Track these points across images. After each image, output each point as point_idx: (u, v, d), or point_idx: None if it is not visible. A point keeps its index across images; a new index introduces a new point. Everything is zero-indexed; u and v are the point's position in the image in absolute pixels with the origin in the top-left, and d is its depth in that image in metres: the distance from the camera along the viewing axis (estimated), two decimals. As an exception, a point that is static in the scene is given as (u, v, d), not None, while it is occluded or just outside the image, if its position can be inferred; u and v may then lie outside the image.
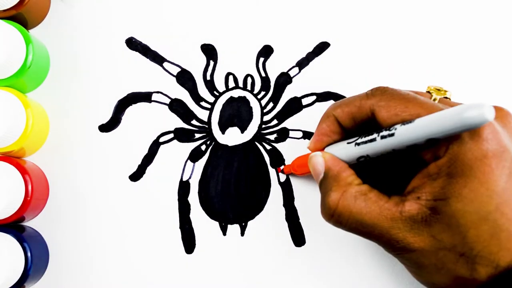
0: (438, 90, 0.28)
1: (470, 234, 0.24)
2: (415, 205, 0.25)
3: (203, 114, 0.36)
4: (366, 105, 0.27)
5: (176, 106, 0.36)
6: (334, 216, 0.27)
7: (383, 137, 0.26)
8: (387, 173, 0.29)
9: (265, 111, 0.36)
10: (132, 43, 0.36)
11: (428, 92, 0.29)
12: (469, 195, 0.23)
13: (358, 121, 0.28)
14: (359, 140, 0.27)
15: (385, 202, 0.26)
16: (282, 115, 0.35)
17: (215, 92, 0.36)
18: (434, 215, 0.24)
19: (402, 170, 0.28)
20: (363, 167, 0.28)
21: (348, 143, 0.28)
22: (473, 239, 0.24)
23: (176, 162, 0.35)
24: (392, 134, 0.25)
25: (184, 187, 0.35)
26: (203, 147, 0.35)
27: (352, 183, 0.27)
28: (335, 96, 0.35)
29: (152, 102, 0.36)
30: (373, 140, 0.26)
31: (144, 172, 0.35)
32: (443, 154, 0.24)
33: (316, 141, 0.30)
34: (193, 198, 0.35)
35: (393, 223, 0.25)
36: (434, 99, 0.28)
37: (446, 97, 0.28)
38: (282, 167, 0.34)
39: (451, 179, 0.24)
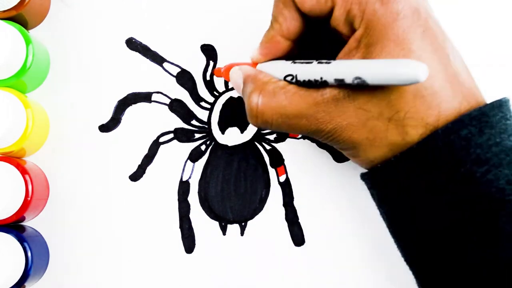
0: None
1: (394, 97, 0.24)
2: (335, 85, 0.25)
3: (203, 114, 0.36)
4: None
5: (176, 106, 0.36)
6: (258, 116, 0.26)
7: (320, 62, 0.25)
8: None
9: (265, 111, 0.36)
10: (132, 43, 0.36)
11: None
12: (387, 57, 0.23)
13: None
14: (298, 61, 0.26)
15: (305, 91, 0.25)
16: (282, 115, 0.35)
17: (215, 92, 0.36)
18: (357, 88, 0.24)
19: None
20: None
21: (286, 60, 0.27)
22: (397, 101, 0.24)
23: (176, 162, 0.35)
24: (329, 62, 0.25)
25: (184, 187, 0.35)
26: (203, 147, 0.35)
27: (270, 81, 0.26)
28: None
29: (152, 102, 0.36)
30: (310, 63, 0.25)
31: (144, 172, 0.35)
32: (358, 25, 0.24)
33: (262, 53, 0.28)
34: (193, 198, 0.35)
35: (317, 108, 0.25)
36: None
37: None
38: (220, 69, 0.32)
39: (369, 48, 0.24)
